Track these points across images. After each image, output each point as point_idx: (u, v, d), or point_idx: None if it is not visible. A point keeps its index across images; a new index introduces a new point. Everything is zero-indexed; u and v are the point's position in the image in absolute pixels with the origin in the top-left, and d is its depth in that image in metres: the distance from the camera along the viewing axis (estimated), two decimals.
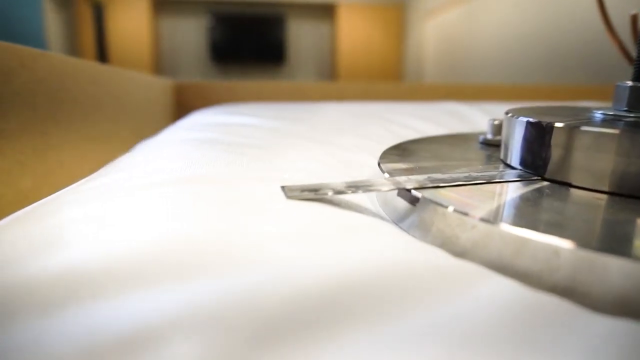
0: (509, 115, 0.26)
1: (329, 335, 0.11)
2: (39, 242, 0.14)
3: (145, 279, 0.12)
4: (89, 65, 0.51)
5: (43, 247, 0.13)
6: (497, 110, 0.67)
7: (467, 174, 0.23)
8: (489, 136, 0.34)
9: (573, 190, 0.21)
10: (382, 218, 0.22)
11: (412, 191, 0.21)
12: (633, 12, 0.31)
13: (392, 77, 4.57)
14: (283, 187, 0.21)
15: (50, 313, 0.10)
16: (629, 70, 0.26)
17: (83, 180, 0.24)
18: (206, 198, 0.19)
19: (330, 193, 0.21)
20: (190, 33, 4.58)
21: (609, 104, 0.28)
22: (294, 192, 0.21)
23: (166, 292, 0.12)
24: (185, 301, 0.11)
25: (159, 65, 4.46)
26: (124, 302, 0.11)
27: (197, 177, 0.22)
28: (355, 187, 0.21)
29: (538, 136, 0.23)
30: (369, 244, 0.16)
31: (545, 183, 0.22)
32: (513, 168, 0.25)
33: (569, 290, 0.14)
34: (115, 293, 0.11)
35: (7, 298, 0.11)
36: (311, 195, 0.20)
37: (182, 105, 1.08)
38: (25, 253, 0.13)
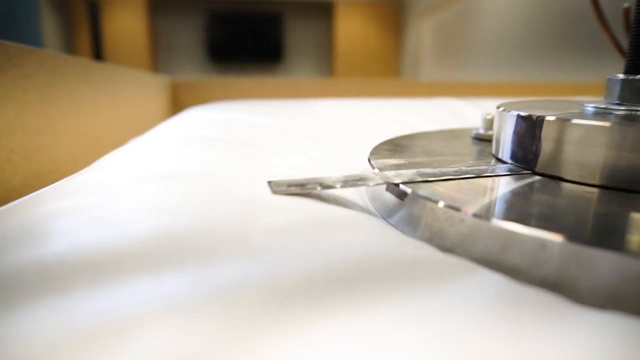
0: (501, 109, 0.26)
1: (310, 327, 0.10)
2: (14, 235, 0.14)
3: (121, 273, 0.12)
4: (81, 62, 0.51)
5: (17, 240, 0.13)
6: (492, 106, 0.67)
7: (456, 169, 0.23)
8: (481, 131, 0.33)
9: (564, 184, 0.21)
10: (371, 213, 0.22)
11: (401, 186, 0.20)
12: (625, 5, 0.30)
13: (389, 75, 4.57)
14: (269, 182, 0.21)
15: (21, 305, 0.10)
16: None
17: (70, 177, 0.23)
18: (191, 193, 0.18)
19: (318, 188, 0.20)
20: (187, 31, 4.57)
21: (601, 99, 0.28)
22: (280, 187, 0.20)
23: (143, 284, 0.11)
24: (162, 292, 0.11)
25: (156, 64, 4.45)
26: (99, 295, 0.11)
27: (184, 172, 0.22)
28: (343, 181, 0.21)
29: (529, 130, 0.23)
30: (356, 238, 0.16)
31: (536, 177, 0.22)
32: (504, 162, 0.25)
33: (558, 284, 0.14)
34: (90, 286, 0.11)
35: None
36: (297, 190, 0.20)
37: (178, 103, 1.08)
38: (2, 244, 0.13)
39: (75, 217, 0.15)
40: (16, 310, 0.10)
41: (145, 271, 0.12)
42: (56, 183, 0.21)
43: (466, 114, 0.62)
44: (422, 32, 3.73)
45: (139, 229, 0.14)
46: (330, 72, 4.74)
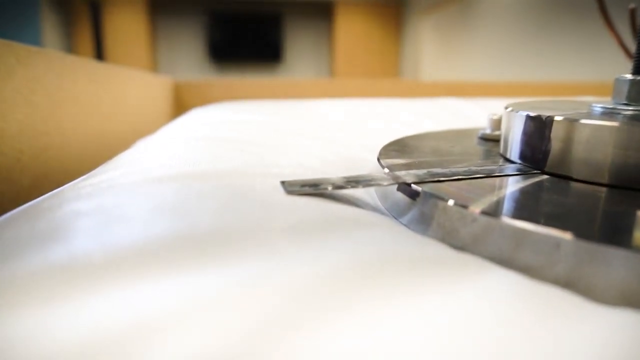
0: (509, 109, 0.26)
1: (328, 325, 0.11)
2: (41, 235, 0.14)
3: (146, 271, 0.12)
4: (87, 63, 0.51)
5: (45, 240, 0.13)
6: (496, 106, 0.67)
7: (466, 168, 0.23)
8: (488, 131, 0.34)
9: (573, 184, 0.21)
10: (382, 213, 0.22)
11: (412, 185, 0.21)
12: (631, 6, 0.31)
13: (389, 75, 4.57)
14: (283, 182, 0.21)
15: (52, 304, 0.10)
16: (629, 65, 0.26)
17: (83, 177, 0.24)
18: (208, 193, 0.19)
19: (329, 188, 0.21)
20: (188, 32, 4.57)
21: (608, 99, 0.28)
22: (293, 187, 0.20)
23: (167, 284, 0.12)
24: (185, 293, 0.11)
25: (157, 64, 4.45)
26: (125, 294, 0.11)
27: (196, 173, 0.22)
28: (355, 182, 0.21)
29: (537, 130, 0.23)
30: (371, 237, 0.16)
31: (545, 176, 0.22)
32: (513, 162, 0.25)
33: (571, 282, 0.14)
34: (116, 285, 0.11)
35: (9, 290, 0.11)
36: (311, 190, 0.20)
37: (181, 103, 1.08)
38: (28, 246, 0.13)
39: (99, 218, 0.15)
40: (49, 307, 0.10)
41: (170, 269, 0.12)
42: (72, 183, 0.21)
43: (470, 114, 0.62)
44: (422, 32, 3.73)
45: (162, 230, 0.14)
46: (330, 72, 4.74)
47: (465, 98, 0.82)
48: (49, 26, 3.44)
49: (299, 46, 4.76)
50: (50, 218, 0.15)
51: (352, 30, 4.51)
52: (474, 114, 0.62)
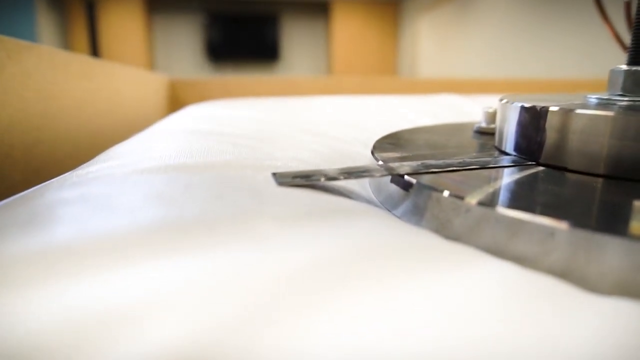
0: (504, 101, 0.26)
1: (317, 312, 0.10)
2: (21, 222, 0.14)
3: (129, 257, 0.12)
4: (80, 59, 0.51)
5: (25, 226, 0.13)
6: (491, 102, 0.67)
7: (460, 160, 0.23)
8: (483, 125, 0.33)
9: (568, 174, 0.21)
10: (375, 205, 0.22)
11: (406, 177, 0.20)
12: None
13: (387, 73, 4.57)
14: (274, 174, 0.21)
15: (29, 289, 0.10)
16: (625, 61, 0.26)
17: (74, 170, 0.23)
18: (198, 183, 0.18)
19: (322, 179, 0.20)
20: (185, 31, 4.56)
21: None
22: (285, 179, 0.20)
23: (151, 270, 0.11)
24: (171, 278, 0.11)
25: (154, 63, 4.44)
26: (108, 279, 0.11)
27: (188, 164, 0.22)
28: (347, 173, 0.21)
29: (532, 121, 0.23)
30: (364, 227, 0.16)
31: (540, 168, 0.22)
32: (507, 154, 0.25)
33: (566, 272, 0.14)
34: (97, 270, 0.11)
35: None
36: (303, 181, 0.20)
37: (177, 101, 1.08)
38: (6, 232, 0.13)
39: (83, 206, 0.15)
40: (25, 295, 0.10)
41: (155, 257, 0.12)
42: (61, 176, 0.21)
43: (466, 109, 0.62)
44: (420, 30, 3.73)
45: (147, 217, 0.14)
46: (328, 71, 4.74)
47: (462, 95, 0.81)
48: (45, 24, 3.42)
49: (297, 45, 4.75)
50: (32, 206, 0.15)
51: (349, 28, 4.50)
52: (471, 110, 0.62)
